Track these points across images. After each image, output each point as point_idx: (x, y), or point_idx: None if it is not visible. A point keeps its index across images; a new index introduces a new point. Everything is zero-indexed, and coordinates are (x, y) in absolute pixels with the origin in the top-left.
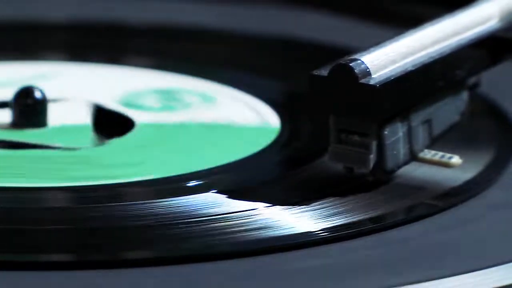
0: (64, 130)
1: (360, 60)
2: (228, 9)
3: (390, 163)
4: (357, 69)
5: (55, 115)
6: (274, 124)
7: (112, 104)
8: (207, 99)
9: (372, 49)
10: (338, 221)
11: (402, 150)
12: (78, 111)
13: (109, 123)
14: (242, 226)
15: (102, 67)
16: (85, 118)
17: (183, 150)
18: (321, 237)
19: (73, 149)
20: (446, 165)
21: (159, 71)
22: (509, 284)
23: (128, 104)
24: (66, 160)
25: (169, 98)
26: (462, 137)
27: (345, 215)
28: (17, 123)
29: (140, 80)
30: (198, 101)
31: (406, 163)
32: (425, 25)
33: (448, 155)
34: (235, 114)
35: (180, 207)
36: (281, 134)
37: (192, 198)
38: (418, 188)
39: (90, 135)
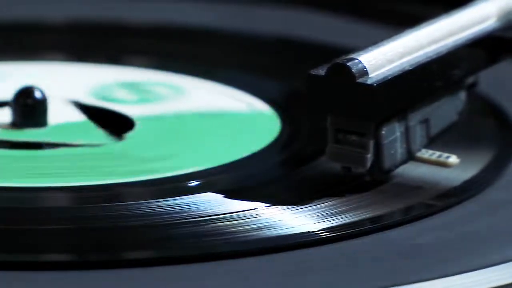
0: (65, 129)
1: (357, 59)
2: (228, 9)
3: (387, 163)
4: (355, 68)
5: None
6: (274, 124)
7: (90, 100)
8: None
9: (369, 48)
10: (337, 221)
11: (399, 150)
12: (64, 109)
13: (104, 120)
14: (242, 226)
15: (102, 67)
16: (77, 117)
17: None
18: (320, 237)
19: (97, 145)
20: (444, 164)
21: (158, 70)
22: (509, 283)
23: (105, 98)
24: (100, 157)
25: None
26: (461, 136)
27: (344, 215)
28: (17, 123)
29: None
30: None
31: (403, 162)
32: (423, 24)
33: (446, 154)
34: (235, 114)
35: (180, 207)
36: (281, 134)
37: (192, 198)
38: (416, 188)
39: (98, 132)
